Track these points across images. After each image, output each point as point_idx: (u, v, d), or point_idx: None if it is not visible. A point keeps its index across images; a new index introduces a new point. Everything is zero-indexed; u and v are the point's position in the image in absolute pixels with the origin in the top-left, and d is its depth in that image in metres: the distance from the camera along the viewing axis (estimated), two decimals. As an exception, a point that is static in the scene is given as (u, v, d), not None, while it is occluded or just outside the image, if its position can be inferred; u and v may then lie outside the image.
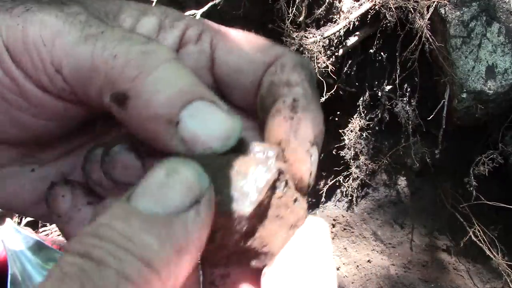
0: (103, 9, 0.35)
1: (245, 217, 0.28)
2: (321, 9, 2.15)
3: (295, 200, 0.31)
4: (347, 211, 2.40)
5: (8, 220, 1.48)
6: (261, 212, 0.29)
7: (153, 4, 2.06)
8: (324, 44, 2.06)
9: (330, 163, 2.35)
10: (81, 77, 0.30)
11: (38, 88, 0.32)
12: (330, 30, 2.07)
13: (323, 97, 2.13)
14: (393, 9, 1.97)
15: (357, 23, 2.07)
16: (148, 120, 0.29)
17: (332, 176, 2.37)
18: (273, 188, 0.29)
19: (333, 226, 2.36)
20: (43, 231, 2.16)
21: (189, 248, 0.25)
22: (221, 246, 0.29)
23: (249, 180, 0.28)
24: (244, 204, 0.28)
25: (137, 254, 0.23)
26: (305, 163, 0.31)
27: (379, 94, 2.27)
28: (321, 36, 2.04)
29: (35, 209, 0.39)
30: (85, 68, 0.30)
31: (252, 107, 0.36)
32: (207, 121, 0.29)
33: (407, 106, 2.21)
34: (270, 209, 0.29)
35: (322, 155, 2.41)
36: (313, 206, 2.44)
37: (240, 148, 0.30)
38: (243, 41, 0.36)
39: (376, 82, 2.30)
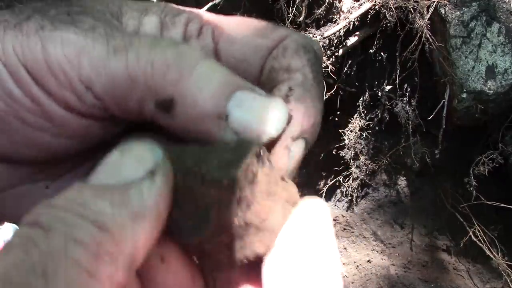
0: (107, 14, 0.35)
1: (234, 183, 0.27)
2: (321, 9, 2.15)
3: (283, 179, 0.30)
4: (347, 211, 2.40)
5: (8, 220, 1.47)
6: (250, 182, 0.28)
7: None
8: (324, 44, 2.06)
9: (330, 163, 2.35)
10: (116, 91, 0.30)
11: (62, 107, 0.32)
12: (330, 30, 2.07)
13: (323, 97, 2.13)
14: (393, 9, 1.97)
15: (357, 23, 2.07)
16: (198, 120, 0.29)
17: (332, 176, 2.37)
18: (258, 160, 0.28)
19: (333, 226, 2.37)
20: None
21: (145, 215, 0.25)
22: (218, 228, 0.28)
23: (234, 152, 0.28)
24: (230, 170, 0.27)
25: (90, 218, 0.23)
26: (281, 159, 0.31)
27: (379, 94, 2.27)
28: (321, 36, 2.04)
29: None
30: (121, 81, 0.30)
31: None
32: (253, 108, 0.29)
33: (407, 106, 2.21)
34: (260, 184, 0.28)
35: (322, 155, 2.42)
36: (313, 206, 2.44)
37: None
38: (245, 28, 0.35)
39: (376, 82, 2.30)
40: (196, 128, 0.30)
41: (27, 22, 0.32)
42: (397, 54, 2.09)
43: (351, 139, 2.22)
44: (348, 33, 2.13)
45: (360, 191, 2.37)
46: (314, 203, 0.29)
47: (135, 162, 0.26)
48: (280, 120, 0.30)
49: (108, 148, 0.37)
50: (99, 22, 0.32)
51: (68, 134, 0.34)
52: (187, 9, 0.38)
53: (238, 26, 0.36)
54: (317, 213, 0.29)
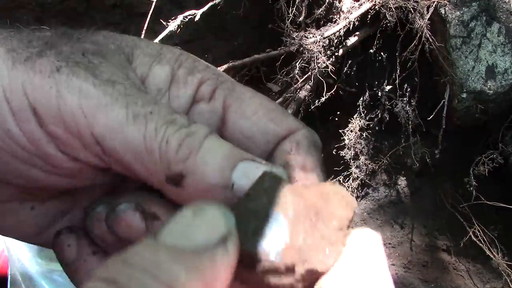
0: (121, 56, 0.35)
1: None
2: (321, 9, 2.15)
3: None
4: (347, 211, 2.40)
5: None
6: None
7: (152, 5, 2.04)
8: (324, 44, 2.06)
9: (330, 163, 2.35)
10: (128, 155, 0.31)
11: (62, 153, 0.32)
12: (330, 30, 2.07)
13: (323, 97, 2.13)
14: (393, 9, 1.97)
15: (357, 23, 2.07)
16: (206, 191, 0.31)
17: (332, 176, 2.37)
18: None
19: (333, 226, 2.37)
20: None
21: (216, 285, 0.25)
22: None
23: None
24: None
25: (165, 282, 0.22)
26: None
27: (379, 94, 2.27)
28: (321, 36, 2.04)
29: (36, 239, 0.39)
30: (136, 148, 0.31)
31: None
32: (256, 176, 0.31)
33: (407, 106, 2.21)
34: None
35: (322, 155, 2.41)
36: (313, 206, 2.44)
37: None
38: (257, 105, 0.37)
39: (376, 82, 2.29)
40: (204, 197, 0.31)
41: (40, 59, 0.31)
42: (397, 54, 2.09)
43: (351, 139, 2.22)
44: (348, 33, 2.13)
45: (360, 191, 2.37)
46: (367, 235, 0.31)
47: (209, 226, 0.26)
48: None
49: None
50: (117, 73, 0.33)
51: (60, 173, 0.34)
52: (203, 63, 0.39)
53: (251, 100, 0.37)
54: (370, 246, 0.30)
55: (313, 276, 0.31)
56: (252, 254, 0.29)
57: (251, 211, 0.30)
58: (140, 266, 0.23)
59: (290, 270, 0.30)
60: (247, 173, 0.31)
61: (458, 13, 1.97)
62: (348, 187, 2.31)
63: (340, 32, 2.08)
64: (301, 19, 2.18)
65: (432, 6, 1.95)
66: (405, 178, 2.40)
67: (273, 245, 0.29)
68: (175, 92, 0.37)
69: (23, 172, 0.33)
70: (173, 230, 0.26)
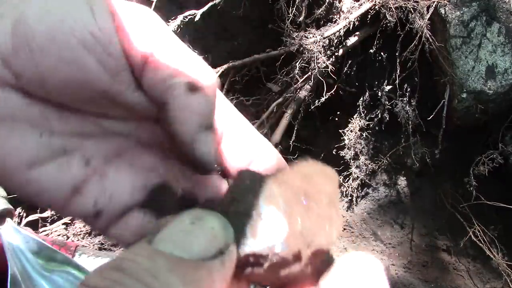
0: None
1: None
2: (321, 9, 2.15)
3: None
4: (347, 211, 2.40)
5: (8, 220, 1.48)
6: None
7: (153, 4, 2.03)
8: (324, 44, 2.06)
9: (330, 163, 2.35)
10: (167, 62, 0.36)
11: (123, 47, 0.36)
12: (330, 30, 2.07)
13: (323, 97, 2.13)
14: (393, 9, 1.97)
15: (357, 23, 2.07)
16: (209, 105, 0.36)
17: (332, 176, 2.37)
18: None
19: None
20: (43, 231, 2.16)
21: None
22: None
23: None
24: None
25: None
26: None
27: (379, 94, 2.27)
28: (321, 36, 2.04)
29: (25, 173, 0.38)
30: (177, 58, 0.37)
31: None
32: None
33: (407, 106, 2.21)
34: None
35: (322, 155, 2.42)
36: (313, 206, 2.44)
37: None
38: (246, 133, 0.42)
39: (376, 82, 2.29)
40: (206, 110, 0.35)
41: None
42: (397, 54, 2.09)
43: (351, 139, 2.22)
44: (348, 33, 2.13)
45: (360, 191, 2.37)
46: (367, 262, 0.31)
47: (207, 238, 0.26)
48: None
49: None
50: None
51: (113, 74, 0.37)
52: None
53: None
54: (371, 274, 0.30)
55: (319, 257, 0.32)
56: (257, 254, 0.29)
57: (242, 213, 0.31)
58: (135, 275, 0.23)
59: (297, 257, 0.31)
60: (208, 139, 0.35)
61: (458, 13, 1.97)
62: (348, 187, 2.31)
63: (340, 32, 2.08)
64: (301, 19, 2.18)
65: (432, 6, 1.95)
66: (405, 178, 2.40)
67: (275, 238, 0.30)
68: None
69: (79, 60, 0.35)
70: (170, 237, 0.26)
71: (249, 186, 0.32)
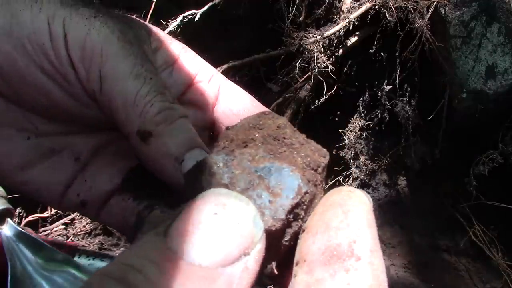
0: (143, 31, 0.43)
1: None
2: (321, 9, 2.15)
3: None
4: (347, 211, 2.40)
5: (8, 220, 1.47)
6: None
7: (152, 5, 2.04)
8: (324, 44, 2.06)
9: (330, 163, 2.35)
10: (120, 102, 0.37)
11: (75, 72, 0.38)
12: (330, 30, 2.07)
13: (323, 97, 2.13)
14: (393, 9, 1.97)
15: (357, 23, 2.07)
16: (161, 155, 0.37)
17: (332, 176, 2.37)
18: None
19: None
20: (43, 231, 2.16)
21: None
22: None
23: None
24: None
25: None
26: None
27: (379, 94, 2.27)
28: (321, 36, 2.04)
29: (18, 175, 0.40)
30: (127, 99, 0.37)
31: None
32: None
33: (407, 106, 2.21)
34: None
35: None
36: (313, 206, 2.44)
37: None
38: (243, 94, 0.46)
39: (376, 82, 2.29)
40: (157, 161, 0.37)
41: (83, 7, 0.40)
42: (397, 54, 2.09)
43: (351, 139, 2.22)
44: (348, 33, 2.12)
45: (360, 191, 2.37)
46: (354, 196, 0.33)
47: (231, 235, 0.22)
48: None
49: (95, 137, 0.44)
50: (136, 40, 0.40)
51: (69, 91, 0.39)
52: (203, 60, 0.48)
53: (240, 92, 0.46)
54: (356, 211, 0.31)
55: (324, 171, 0.34)
56: (292, 207, 0.29)
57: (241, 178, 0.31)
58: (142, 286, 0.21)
59: (315, 183, 0.31)
60: (196, 157, 0.37)
61: (458, 13, 1.97)
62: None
63: (340, 32, 2.08)
64: (301, 19, 2.18)
65: (432, 6, 1.95)
66: (405, 178, 2.40)
67: (293, 181, 0.30)
68: (179, 68, 0.44)
69: (44, 86, 0.38)
70: (185, 233, 0.22)
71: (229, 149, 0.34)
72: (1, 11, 0.37)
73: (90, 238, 2.08)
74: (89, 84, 0.38)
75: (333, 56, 2.13)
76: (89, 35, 0.37)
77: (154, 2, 1.97)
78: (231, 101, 0.45)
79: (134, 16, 0.46)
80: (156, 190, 0.40)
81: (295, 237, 0.30)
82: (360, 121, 2.23)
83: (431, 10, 1.95)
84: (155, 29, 0.45)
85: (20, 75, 0.37)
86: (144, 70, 0.38)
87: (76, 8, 0.38)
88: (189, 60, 0.45)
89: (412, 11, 1.95)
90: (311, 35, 2.06)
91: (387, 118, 2.26)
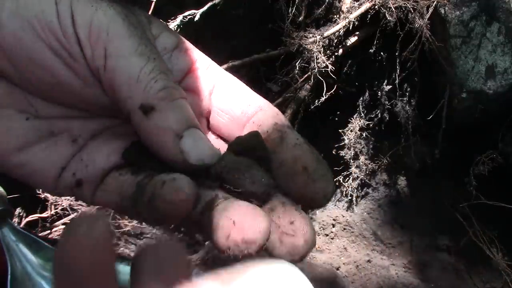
0: (144, 17, 0.45)
1: None
2: (321, 9, 2.15)
3: None
4: (347, 211, 2.40)
5: (8, 220, 1.47)
6: None
7: (152, 5, 2.04)
8: (324, 44, 2.06)
9: (330, 163, 2.35)
10: (124, 77, 0.38)
11: (81, 51, 0.39)
12: (330, 30, 2.07)
13: (323, 97, 2.13)
14: (393, 9, 1.97)
15: (357, 23, 2.07)
16: (162, 130, 0.38)
17: (332, 176, 2.37)
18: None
19: (333, 226, 2.36)
20: (43, 231, 2.16)
21: None
22: None
23: None
24: None
25: None
26: None
27: (379, 94, 2.27)
28: (321, 36, 2.04)
29: (16, 156, 0.41)
30: (131, 74, 0.38)
31: (233, 134, 0.45)
32: (200, 142, 0.39)
33: (407, 106, 2.21)
34: None
35: (322, 155, 2.41)
36: (313, 206, 2.44)
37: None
38: (240, 84, 0.47)
39: (376, 82, 2.29)
40: (157, 136, 0.39)
41: None
42: (397, 54, 2.09)
43: (351, 139, 2.22)
44: (348, 33, 2.12)
45: (360, 191, 2.37)
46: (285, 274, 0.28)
47: None
48: (213, 158, 0.40)
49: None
50: (138, 24, 0.42)
51: (73, 69, 0.40)
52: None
53: (235, 81, 0.47)
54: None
55: None
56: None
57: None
58: None
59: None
60: (195, 137, 0.39)
61: (458, 13, 1.97)
62: (348, 187, 2.31)
63: (340, 32, 2.08)
64: (301, 19, 2.18)
65: (432, 6, 1.95)
66: (405, 178, 2.40)
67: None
68: (177, 55, 0.45)
69: (50, 64, 0.39)
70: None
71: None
72: None
73: (90, 238, 2.08)
74: (94, 62, 0.38)
75: (333, 56, 2.13)
76: (96, 15, 0.38)
77: (154, 2, 1.97)
78: (227, 90, 0.45)
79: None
80: (155, 163, 0.41)
81: None
82: (360, 121, 2.23)
83: (431, 10, 1.95)
84: (154, 18, 0.47)
85: (27, 54, 0.38)
86: (148, 50, 0.39)
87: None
88: (187, 49, 0.46)
89: (412, 11, 1.95)
90: (311, 35, 2.06)
91: (387, 118, 2.26)
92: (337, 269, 2.22)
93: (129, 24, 0.40)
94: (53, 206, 2.07)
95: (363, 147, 2.30)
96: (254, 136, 0.41)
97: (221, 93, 0.45)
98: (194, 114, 0.41)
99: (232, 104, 0.44)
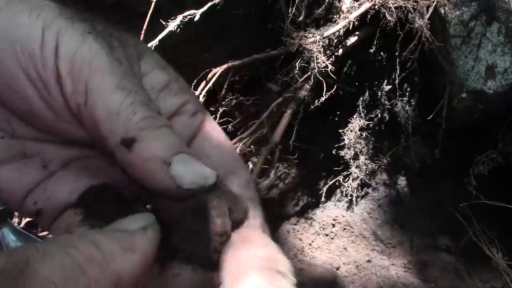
0: (134, 50, 0.44)
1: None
2: (320, 9, 2.15)
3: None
4: (347, 211, 2.40)
5: (8, 220, 1.47)
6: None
7: (152, 5, 2.03)
8: (324, 44, 2.06)
9: (330, 163, 2.35)
10: (104, 113, 0.38)
11: (58, 84, 0.38)
12: (329, 30, 2.07)
13: (323, 97, 2.13)
14: (393, 9, 1.97)
15: (357, 23, 2.07)
16: (146, 160, 0.37)
17: (332, 176, 2.37)
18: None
19: (333, 226, 2.36)
20: (43, 231, 2.16)
21: (135, 251, 0.34)
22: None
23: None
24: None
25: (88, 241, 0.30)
26: None
27: (379, 94, 2.27)
28: (321, 36, 2.04)
29: None
30: (111, 110, 0.37)
31: None
32: (190, 165, 0.38)
33: (407, 106, 2.21)
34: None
35: (322, 155, 2.42)
36: (313, 206, 2.44)
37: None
38: (221, 137, 0.47)
39: (376, 82, 2.29)
40: (145, 167, 0.37)
41: (79, 22, 0.40)
42: (397, 54, 2.09)
43: (351, 139, 2.22)
44: (348, 33, 2.12)
45: (360, 191, 2.37)
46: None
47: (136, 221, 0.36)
48: (209, 179, 0.39)
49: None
50: (125, 59, 0.41)
51: (49, 102, 0.39)
52: (193, 92, 0.49)
53: (221, 134, 0.47)
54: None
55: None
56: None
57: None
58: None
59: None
60: (184, 161, 0.38)
61: (458, 12, 1.97)
62: (348, 187, 2.31)
63: (339, 32, 2.08)
64: (300, 19, 2.18)
65: (432, 6, 1.95)
66: (405, 178, 2.40)
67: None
68: (165, 96, 0.44)
69: (25, 92, 0.38)
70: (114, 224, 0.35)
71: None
72: (2, 12, 0.38)
73: (90, 238, 2.08)
74: (75, 97, 0.38)
75: (333, 56, 2.13)
76: (80, 49, 0.38)
77: (154, 2, 1.97)
78: (207, 141, 0.45)
79: (133, 35, 0.46)
80: (106, 215, 0.40)
81: None
82: (360, 121, 2.24)
83: (430, 9, 1.95)
84: (148, 52, 0.45)
85: (5, 76, 0.37)
86: (131, 84, 0.39)
87: (73, 22, 0.39)
88: (177, 90, 0.45)
89: (412, 11, 1.95)
90: (310, 35, 2.06)
91: (387, 118, 2.26)
92: (337, 269, 2.22)
93: (113, 60, 0.39)
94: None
95: (363, 147, 2.30)
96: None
97: (200, 144, 0.45)
98: (182, 138, 0.40)
99: (207, 158, 0.44)
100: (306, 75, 2.09)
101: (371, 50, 2.18)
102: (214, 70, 2.06)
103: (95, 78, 0.37)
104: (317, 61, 2.01)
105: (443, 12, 1.98)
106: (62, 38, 0.38)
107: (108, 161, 0.42)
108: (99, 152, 0.43)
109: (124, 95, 0.38)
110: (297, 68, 2.07)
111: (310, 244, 2.30)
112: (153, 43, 1.95)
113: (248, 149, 2.03)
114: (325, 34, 2.05)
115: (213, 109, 2.21)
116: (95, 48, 0.38)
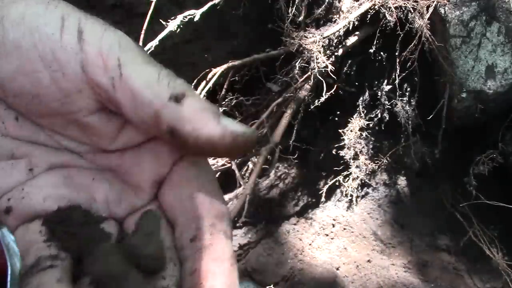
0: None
1: None
2: (320, 9, 2.15)
3: None
4: (347, 211, 2.40)
5: (8, 220, 1.47)
6: None
7: (152, 5, 2.02)
8: (324, 44, 2.06)
9: (330, 163, 2.35)
10: (142, 81, 0.37)
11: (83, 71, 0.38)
12: (329, 30, 2.07)
13: (323, 97, 2.13)
14: (393, 9, 1.97)
15: (356, 23, 2.07)
16: (200, 110, 0.37)
17: (332, 176, 2.37)
18: None
19: (333, 226, 2.36)
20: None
21: None
22: None
23: None
24: None
25: None
26: None
27: (379, 94, 2.27)
28: (321, 36, 2.04)
29: None
30: (151, 78, 0.38)
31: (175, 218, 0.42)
32: (234, 121, 0.38)
33: (407, 106, 2.21)
34: None
35: (322, 155, 2.41)
36: (313, 206, 2.44)
37: None
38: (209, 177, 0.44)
39: (376, 82, 2.29)
40: (197, 115, 0.37)
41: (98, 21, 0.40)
42: (397, 54, 2.09)
43: (351, 139, 2.22)
44: (348, 33, 2.12)
45: (360, 191, 2.37)
46: None
47: None
48: (248, 128, 0.38)
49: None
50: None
51: (66, 82, 0.39)
52: None
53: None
54: None
55: None
56: None
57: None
58: None
59: None
60: (229, 119, 0.38)
61: (457, 12, 1.97)
62: (348, 187, 2.31)
63: (339, 32, 2.08)
64: (300, 19, 2.18)
65: (432, 6, 1.95)
66: (405, 178, 2.40)
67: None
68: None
69: (37, 72, 0.38)
70: None
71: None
72: (16, 3, 0.38)
73: (90, 238, 2.08)
74: (108, 73, 0.38)
75: (333, 56, 2.13)
76: (106, 33, 0.38)
77: (154, 2, 1.97)
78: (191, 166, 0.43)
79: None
80: (69, 241, 0.38)
81: None
82: (360, 121, 2.24)
83: (430, 9, 1.95)
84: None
85: (20, 58, 0.38)
86: (160, 64, 0.39)
87: (88, 15, 0.40)
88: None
89: (412, 11, 1.95)
90: (310, 35, 2.06)
91: (387, 118, 2.26)
92: (337, 269, 2.22)
93: (138, 45, 0.40)
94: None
95: (363, 147, 2.30)
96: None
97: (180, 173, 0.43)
98: None
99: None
100: (306, 75, 2.10)
101: (371, 50, 2.18)
102: (214, 70, 2.06)
103: (127, 54, 0.38)
104: (317, 61, 2.01)
105: (443, 12, 1.98)
106: (84, 25, 0.38)
107: (94, 175, 0.41)
108: (89, 161, 0.42)
109: (159, 70, 0.38)
110: (297, 68, 2.07)
111: (310, 244, 2.30)
112: (153, 43, 1.95)
113: (248, 149, 2.02)
114: (325, 34, 2.05)
115: (213, 109, 2.20)
116: (120, 33, 0.39)
